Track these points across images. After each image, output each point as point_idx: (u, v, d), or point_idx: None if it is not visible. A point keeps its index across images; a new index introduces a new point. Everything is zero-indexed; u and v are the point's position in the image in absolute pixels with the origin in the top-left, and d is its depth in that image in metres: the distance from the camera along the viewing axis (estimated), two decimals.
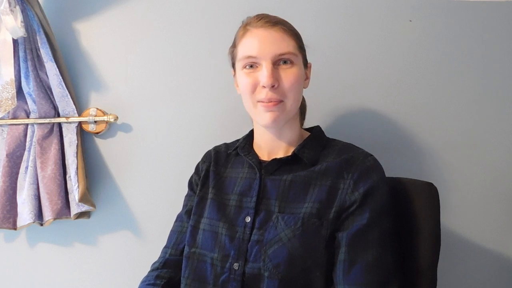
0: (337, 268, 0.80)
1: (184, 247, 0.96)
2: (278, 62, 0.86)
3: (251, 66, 0.87)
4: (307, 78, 0.94)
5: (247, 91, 0.88)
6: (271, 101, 0.85)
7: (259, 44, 0.85)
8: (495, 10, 1.18)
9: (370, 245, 0.79)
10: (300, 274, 0.79)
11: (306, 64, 0.93)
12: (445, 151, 1.20)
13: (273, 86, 0.84)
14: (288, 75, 0.86)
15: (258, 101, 0.87)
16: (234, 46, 0.92)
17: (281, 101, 0.86)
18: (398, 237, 0.87)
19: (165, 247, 1.01)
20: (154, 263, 1.00)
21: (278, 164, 0.91)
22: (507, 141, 1.19)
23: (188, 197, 1.05)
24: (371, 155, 0.89)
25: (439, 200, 0.93)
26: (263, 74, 0.84)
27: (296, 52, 0.87)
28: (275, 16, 0.89)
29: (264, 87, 0.85)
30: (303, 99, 1.01)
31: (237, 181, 0.94)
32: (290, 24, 0.90)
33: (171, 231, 1.03)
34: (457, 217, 1.20)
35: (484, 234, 1.20)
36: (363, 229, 0.80)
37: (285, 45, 0.85)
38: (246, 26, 0.89)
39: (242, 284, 0.82)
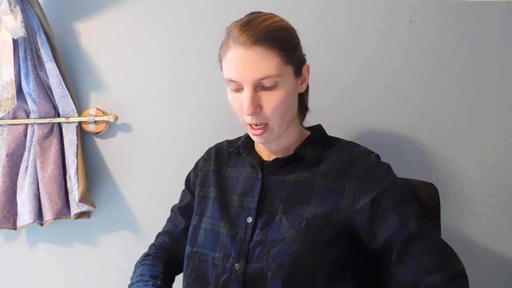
0: (394, 268, 0.80)
1: (176, 239, 1.02)
2: (260, 85, 0.81)
3: (236, 89, 0.84)
4: (302, 82, 0.89)
5: (236, 112, 0.87)
6: (257, 126, 0.84)
7: (238, 68, 0.80)
8: (495, 10, 1.18)
9: (416, 239, 0.79)
10: (303, 275, 0.79)
11: (300, 70, 0.86)
12: (445, 151, 1.20)
13: (255, 113, 0.82)
14: (271, 100, 0.81)
15: (247, 123, 0.86)
16: (220, 59, 0.88)
17: (266, 123, 0.84)
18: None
19: (160, 233, 1.07)
20: (150, 246, 1.06)
21: (280, 164, 0.90)
22: (507, 141, 1.19)
23: (184, 193, 1.07)
24: (372, 152, 0.88)
25: (439, 200, 0.93)
26: (244, 101, 0.81)
27: (281, 71, 0.80)
28: (260, 24, 0.81)
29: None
30: (306, 96, 0.99)
31: (239, 181, 0.93)
32: (277, 33, 0.81)
33: (167, 219, 1.08)
34: (457, 217, 1.20)
35: (484, 234, 1.20)
36: (400, 229, 0.79)
37: (266, 68, 0.79)
38: (229, 40, 0.83)
39: (243, 285, 0.81)
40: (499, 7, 1.18)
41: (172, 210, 1.07)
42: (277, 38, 0.80)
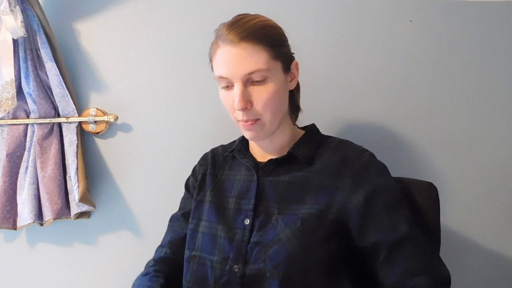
0: (380, 269, 0.81)
1: (179, 248, 0.97)
2: (249, 80, 0.83)
3: (227, 86, 0.85)
4: (292, 79, 0.90)
5: (228, 110, 0.88)
6: (248, 121, 0.85)
7: (227, 64, 0.82)
8: (495, 10, 1.18)
9: (406, 242, 0.79)
10: (299, 274, 0.79)
11: (288, 67, 0.88)
12: (445, 151, 1.20)
13: (246, 108, 0.83)
14: (261, 94, 0.83)
15: (238, 120, 0.87)
16: (210, 59, 0.89)
17: (257, 119, 0.85)
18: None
19: (161, 246, 1.02)
20: (149, 261, 1.01)
21: (274, 165, 0.91)
22: (506, 141, 1.19)
23: (184, 200, 1.05)
24: (366, 150, 0.89)
25: (439, 200, 0.93)
26: (234, 97, 0.83)
27: (269, 66, 0.82)
28: (246, 23, 0.83)
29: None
30: (297, 95, 0.99)
31: (235, 183, 0.93)
32: (263, 31, 0.83)
33: (167, 231, 1.04)
34: (457, 217, 1.20)
35: (484, 234, 1.20)
36: (391, 232, 0.80)
37: (254, 63, 0.81)
38: (218, 39, 0.85)
39: (242, 286, 0.82)
40: (499, 7, 1.18)
41: (171, 220, 1.05)
42: (263, 35, 0.83)
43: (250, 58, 0.81)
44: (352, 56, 1.23)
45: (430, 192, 0.93)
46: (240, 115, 0.84)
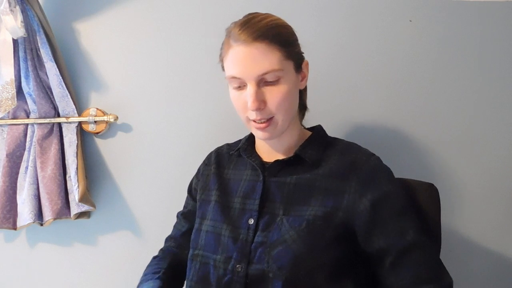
0: (387, 274, 0.81)
1: (181, 243, 1.03)
2: (263, 80, 0.82)
3: (239, 87, 0.85)
4: (303, 78, 0.90)
5: (238, 110, 0.87)
6: (262, 121, 0.84)
7: (241, 64, 0.81)
8: (495, 10, 1.18)
9: (414, 249, 0.80)
10: (304, 276, 0.79)
11: (299, 66, 0.88)
12: (445, 151, 1.20)
13: (260, 108, 0.82)
14: (274, 94, 0.82)
15: (250, 119, 0.86)
16: (221, 59, 0.88)
17: (271, 118, 0.85)
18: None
19: (166, 239, 1.08)
20: (159, 251, 1.07)
21: (280, 166, 0.90)
22: (507, 141, 1.19)
23: (187, 199, 1.08)
24: (374, 154, 0.88)
25: (439, 201, 0.93)
26: (248, 97, 0.82)
27: (282, 66, 0.82)
28: (259, 22, 0.83)
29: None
30: (304, 94, 0.99)
31: (240, 183, 0.93)
32: (276, 30, 0.83)
33: (173, 226, 1.09)
34: (457, 218, 1.20)
35: (484, 234, 1.20)
36: (399, 238, 0.80)
37: (268, 63, 0.80)
38: (229, 39, 0.84)
39: (245, 286, 0.81)
40: (499, 7, 1.18)
41: (177, 216, 1.09)
42: (276, 34, 0.82)
43: (263, 58, 0.80)
44: (352, 56, 1.23)
45: (430, 192, 0.93)
46: (253, 114, 0.84)
